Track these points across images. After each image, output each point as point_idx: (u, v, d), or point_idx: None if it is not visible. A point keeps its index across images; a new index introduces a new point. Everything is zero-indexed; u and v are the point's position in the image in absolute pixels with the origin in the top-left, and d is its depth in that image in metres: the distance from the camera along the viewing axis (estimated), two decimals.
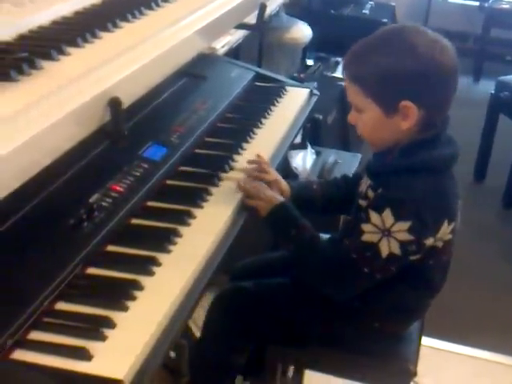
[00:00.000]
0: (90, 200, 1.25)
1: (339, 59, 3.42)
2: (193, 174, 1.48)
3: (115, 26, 1.35)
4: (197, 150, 1.59)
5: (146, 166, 1.41)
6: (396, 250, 1.30)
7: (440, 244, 1.37)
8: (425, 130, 1.34)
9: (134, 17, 1.43)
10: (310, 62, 3.79)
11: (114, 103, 1.04)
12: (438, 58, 1.29)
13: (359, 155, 2.62)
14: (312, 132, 2.65)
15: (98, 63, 1.13)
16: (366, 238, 1.31)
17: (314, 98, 1.98)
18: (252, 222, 1.43)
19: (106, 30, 1.31)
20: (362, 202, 1.40)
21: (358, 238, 1.32)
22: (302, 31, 3.43)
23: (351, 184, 1.57)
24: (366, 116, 1.35)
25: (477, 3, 4.88)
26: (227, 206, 1.38)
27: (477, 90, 4.57)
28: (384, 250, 1.30)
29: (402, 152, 1.35)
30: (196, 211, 1.34)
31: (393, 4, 4.57)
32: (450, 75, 1.32)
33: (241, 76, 1.97)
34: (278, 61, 3.36)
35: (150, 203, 1.36)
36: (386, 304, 1.44)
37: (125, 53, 1.19)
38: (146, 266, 1.15)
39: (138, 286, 1.10)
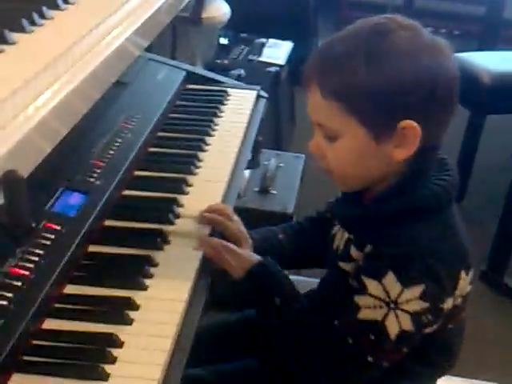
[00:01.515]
0: None
1: (264, 40, 3.02)
2: (125, 234, 1.06)
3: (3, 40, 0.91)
4: (127, 192, 1.17)
5: (57, 226, 0.99)
6: (408, 325, 0.95)
7: (459, 301, 1.03)
8: (422, 159, 0.99)
9: (33, 23, 0.99)
10: (223, 41, 3.39)
11: (11, 181, 0.62)
12: (442, 61, 0.97)
13: (303, 156, 2.24)
14: None
15: None
16: (364, 315, 0.96)
17: (262, 102, 1.59)
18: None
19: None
20: (345, 266, 1.04)
21: (352, 316, 0.96)
22: (220, 8, 3.01)
23: (318, 227, 1.21)
24: (344, 143, 0.97)
25: None
26: (182, 281, 0.98)
27: None
28: (392, 330, 0.95)
29: (392, 190, 1.01)
30: (138, 295, 0.93)
31: None
32: (456, 81, 0.99)
33: (169, 78, 1.55)
34: (193, 45, 2.95)
35: (69, 289, 0.94)
36: None
37: (25, 86, 0.76)
38: None
39: None
